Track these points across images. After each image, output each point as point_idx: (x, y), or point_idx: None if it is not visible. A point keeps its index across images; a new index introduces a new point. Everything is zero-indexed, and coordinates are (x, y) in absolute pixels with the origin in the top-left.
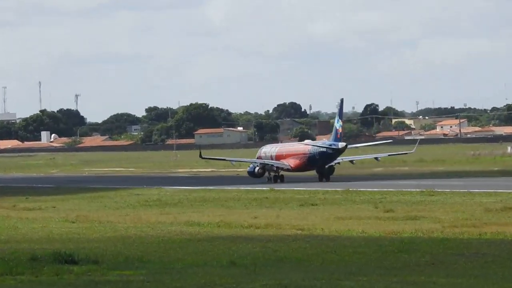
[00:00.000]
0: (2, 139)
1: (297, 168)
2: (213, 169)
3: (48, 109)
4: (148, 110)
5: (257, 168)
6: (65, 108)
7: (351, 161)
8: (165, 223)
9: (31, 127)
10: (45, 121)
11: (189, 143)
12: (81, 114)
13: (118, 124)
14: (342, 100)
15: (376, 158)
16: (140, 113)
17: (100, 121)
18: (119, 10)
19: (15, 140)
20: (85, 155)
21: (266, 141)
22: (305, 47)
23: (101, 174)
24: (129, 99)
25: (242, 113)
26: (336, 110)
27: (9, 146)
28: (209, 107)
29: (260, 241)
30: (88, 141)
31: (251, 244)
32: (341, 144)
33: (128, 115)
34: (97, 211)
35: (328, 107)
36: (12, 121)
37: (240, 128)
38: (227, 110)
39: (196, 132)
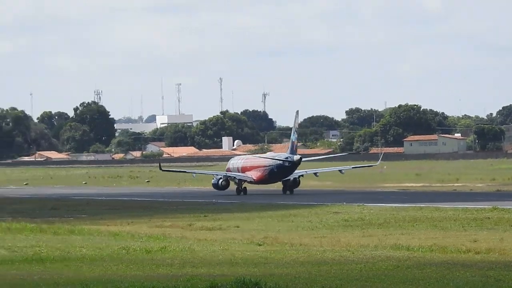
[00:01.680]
0: (176, 146)
1: (260, 181)
2: (424, 184)
3: (231, 111)
4: (349, 112)
5: (220, 181)
6: (250, 110)
7: (315, 174)
8: (368, 246)
9: (210, 131)
10: (226, 124)
11: (398, 152)
12: (269, 116)
13: (313, 129)
14: (297, 112)
15: (340, 171)
16: (339, 116)
17: (292, 125)
18: None
19: (191, 147)
20: None
21: (489, 150)
22: None
23: None
24: (326, 99)
25: (460, 116)
26: None
27: (184, 154)
28: (421, 109)
29: (481, 268)
30: (277, 149)
31: (470, 272)
32: (296, 157)
33: (325, 118)
34: (288, 232)
35: None
36: (188, 124)
37: (457, 135)
38: (442, 113)
39: (405, 139)
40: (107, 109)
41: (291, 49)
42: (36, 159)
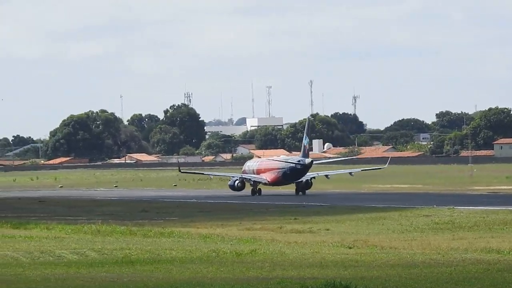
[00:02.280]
0: (266, 148)
1: (273, 182)
2: None
3: (321, 113)
4: (439, 115)
5: (236, 182)
6: (340, 112)
7: (326, 176)
8: (458, 249)
9: (300, 134)
10: (317, 127)
11: (488, 155)
12: (360, 119)
13: (403, 132)
14: (308, 119)
15: (350, 173)
16: (429, 119)
17: (382, 128)
18: None
19: (281, 150)
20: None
21: None
22: None
23: (382, 191)
24: (416, 102)
25: None
26: None
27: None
28: (511, 112)
29: None
30: (368, 152)
31: None
32: (307, 160)
33: (416, 121)
34: (378, 234)
35: None
36: (278, 126)
37: None
38: None
39: (495, 142)
40: (197, 111)
41: (381, 51)
42: (126, 162)
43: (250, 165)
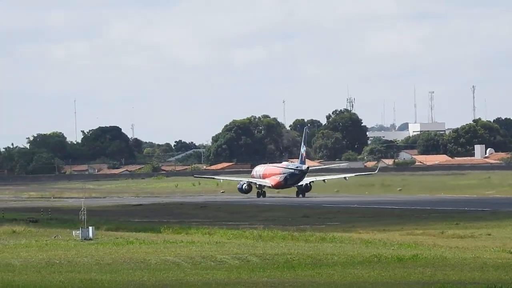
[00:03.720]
0: (428, 154)
1: (276, 186)
2: None
3: (483, 118)
4: None
5: (244, 186)
6: (503, 118)
7: (324, 180)
8: None
9: (462, 139)
10: (479, 132)
11: None
12: None
13: None
14: (305, 130)
15: (344, 178)
16: None
17: None
18: None
19: (444, 155)
20: None
21: None
22: None
23: None
24: None
25: None
26: None
27: (437, 162)
28: None
29: None
30: None
31: None
32: (304, 166)
33: None
34: None
35: None
36: (441, 132)
37: None
38: None
39: None
40: (360, 116)
41: None
42: None
43: (257, 170)
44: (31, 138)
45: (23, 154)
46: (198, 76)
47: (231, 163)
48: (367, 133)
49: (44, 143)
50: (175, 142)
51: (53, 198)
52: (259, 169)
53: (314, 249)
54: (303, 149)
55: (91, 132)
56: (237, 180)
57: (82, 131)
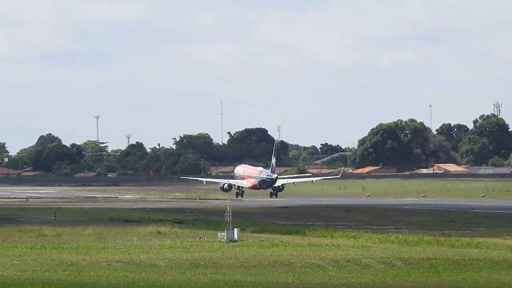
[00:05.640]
0: None
1: (252, 188)
2: None
3: None
4: None
5: (224, 185)
6: None
7: (294, 183)
8: None
9: None
10: None
11: None
12: None
13: None
14: (275, 143)
15: (312, 181)
16: None
17: None
18: None
19: None
20: None
21: None
22: None
23: None
24: None
25: None
26: None
27: None
28: None
29: None
30: None
31: None
32: (274, 176)
33: None
34: None
35: None
36: None
37: None
38: None
39: None
40: (507, 122)
41: None
42: (434, 171)
43: (238, 170)
44: (178, 139)
45: (169, 154)
46: (345, 78)
47: (377, 167)
48: None
49: (190, 144)
50: (321, 144)
51: (199, 199)
52: (240, 170)
53: (460, 254)
54: (273, 160)
55: (237, 133)
56: (219, 181)
57: (228, 133)
